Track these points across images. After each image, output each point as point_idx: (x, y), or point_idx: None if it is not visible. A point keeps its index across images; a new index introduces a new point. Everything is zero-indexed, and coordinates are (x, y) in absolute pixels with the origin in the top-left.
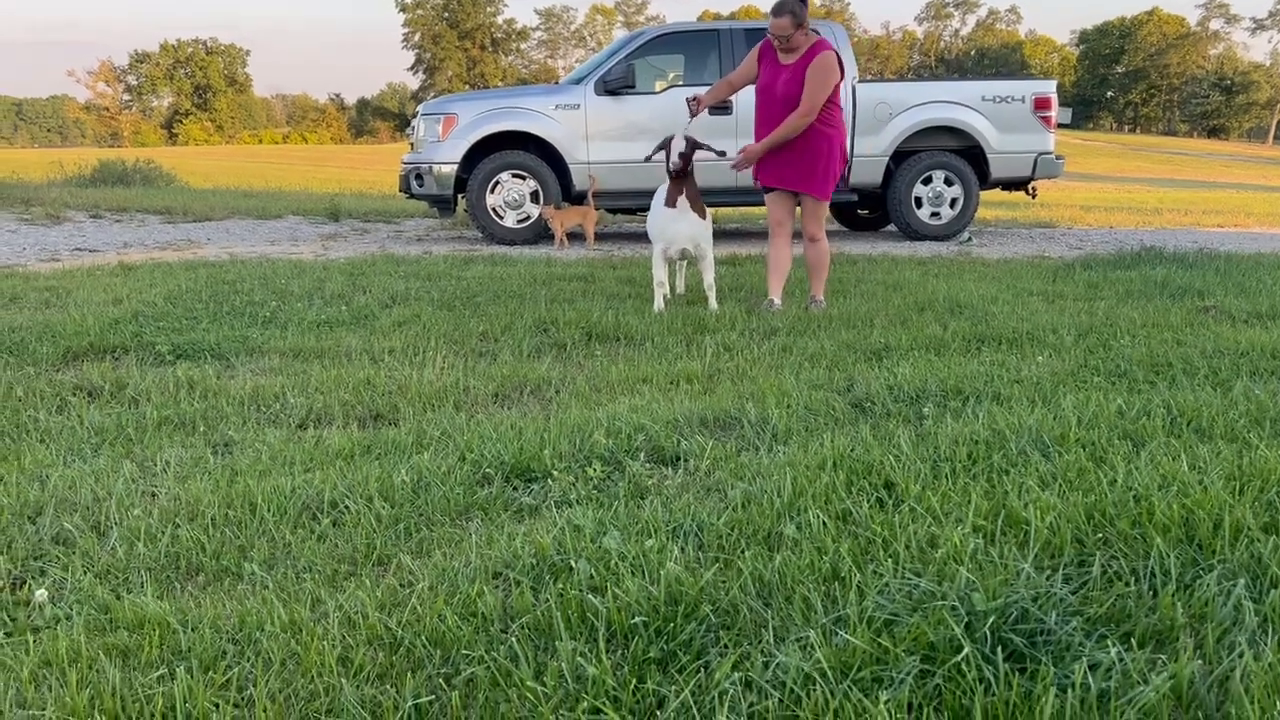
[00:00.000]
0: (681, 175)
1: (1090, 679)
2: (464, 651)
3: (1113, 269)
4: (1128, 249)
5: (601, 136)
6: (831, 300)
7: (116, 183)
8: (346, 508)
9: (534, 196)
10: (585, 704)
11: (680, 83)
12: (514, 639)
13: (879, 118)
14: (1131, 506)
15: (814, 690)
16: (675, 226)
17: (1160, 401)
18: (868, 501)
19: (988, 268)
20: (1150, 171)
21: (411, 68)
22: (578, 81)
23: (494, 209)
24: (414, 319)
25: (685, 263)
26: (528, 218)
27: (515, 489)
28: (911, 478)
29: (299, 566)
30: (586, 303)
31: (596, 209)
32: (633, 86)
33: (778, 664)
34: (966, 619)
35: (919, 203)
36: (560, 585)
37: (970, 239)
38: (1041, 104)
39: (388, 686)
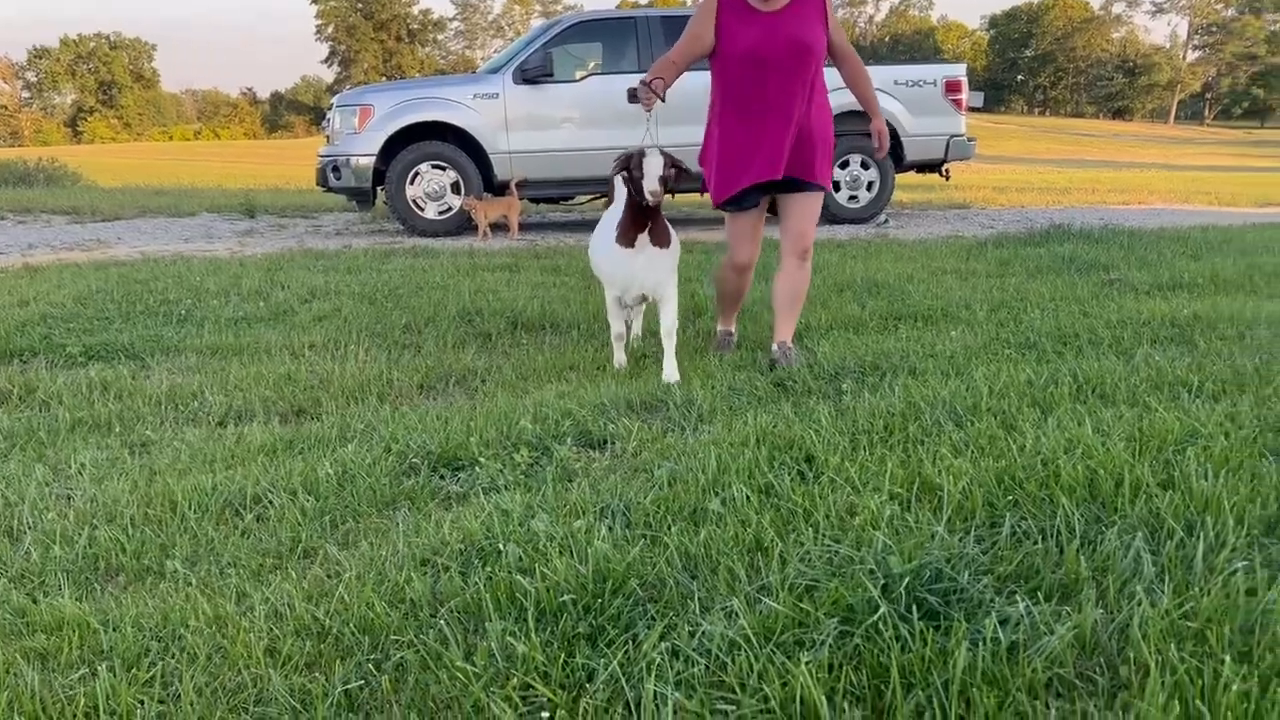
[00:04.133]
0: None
1: (1000, 632)
2: (393, 637)
3: (1023, 246)
4: (1037, 227)
5: (522, 126)
6: (752, 284)
7: (18, 183)
8: (270, 502)
9: (455, 187)
10: (515, 680)
11: (598, 71)
12: (443, 622)
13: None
14: (1039, 469)
15: (739, 655)
16: (631, 269)
17: (1067, 370)
18: (789, 475)
19: (904, 248)
20: (1058, 152)
21: (326, 60)
22: (496, 71)
23: (414, 201)
24: (334, 313)
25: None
26: (449, 209)
27: (442, 478)
28: (831, 450)
29: (223, 562)
30: (511, 292)
31: (520, 199)
32: (551, 75)
33: (703, 632)
34: (884, 581)
35: (837, 186)
36: (489, 568)
37: (887, 221)
38: (952, 87)
39: (317, 674)
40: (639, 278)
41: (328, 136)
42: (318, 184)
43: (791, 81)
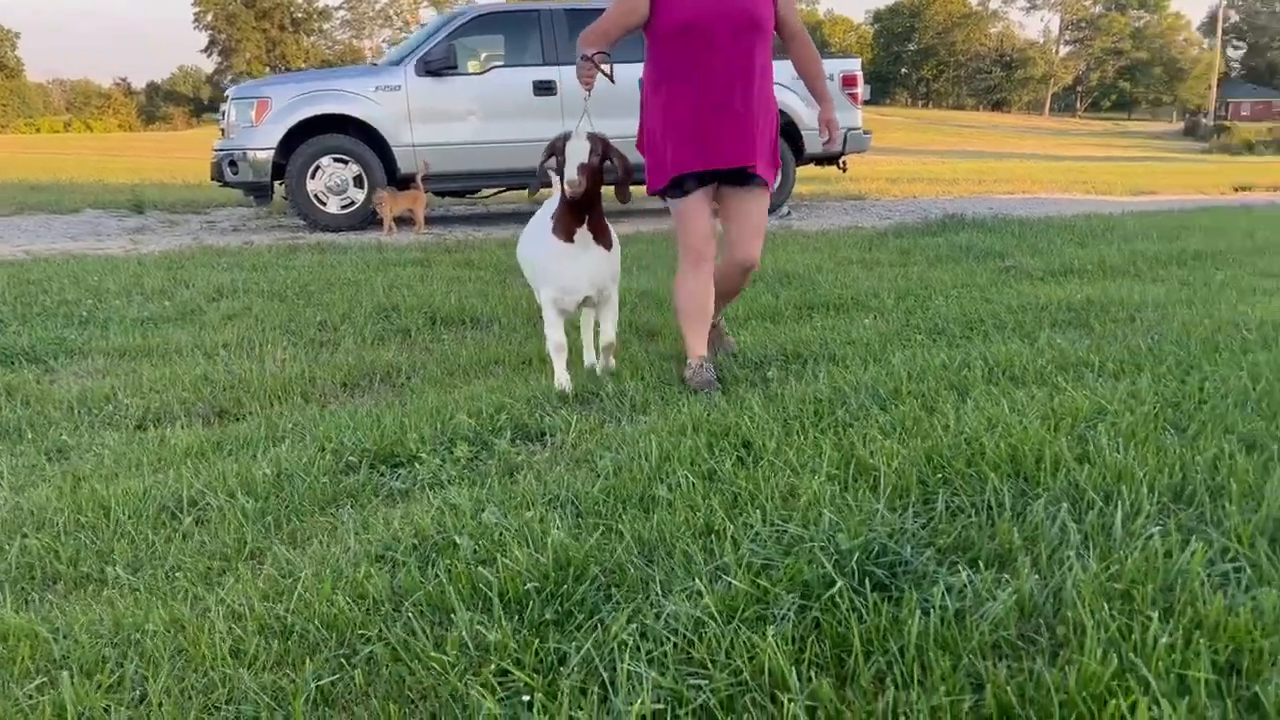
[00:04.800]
0: (585, 196)
1: (947, 600)
2: (359, 632)
3: (921, 236)
4: (932, 217)
5: (425, 118)
6: (669, 277)
7: None
8: (208, 504)
9: (358, 181)
10: (491, 666)
11: (501, 63)
12: (409, 615)
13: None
14: (965, 448)
15: (705, 632)
16: (572, 269)
17: (977, 354)
18: (730, 460)
19: (809, 239)
20: (942, 144)
21: (205, 50)
22: (397, 63)
23: (315, 195)
24: (245, 311)
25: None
26: (352, 203)
27: (382, 475)
28: (767, 436)
29: (167, 566)
30: (426, 287)
31: (426, 193)
32: (455, 67)
33: (669, 613)
34: (835, 557)
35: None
36: (447, 561)
37: (790, 213)
38: (848, 81)
39: (286, 671)
40: (581, 275)
41: (223, 129)
42: (213, 179)
43: (735, 59)
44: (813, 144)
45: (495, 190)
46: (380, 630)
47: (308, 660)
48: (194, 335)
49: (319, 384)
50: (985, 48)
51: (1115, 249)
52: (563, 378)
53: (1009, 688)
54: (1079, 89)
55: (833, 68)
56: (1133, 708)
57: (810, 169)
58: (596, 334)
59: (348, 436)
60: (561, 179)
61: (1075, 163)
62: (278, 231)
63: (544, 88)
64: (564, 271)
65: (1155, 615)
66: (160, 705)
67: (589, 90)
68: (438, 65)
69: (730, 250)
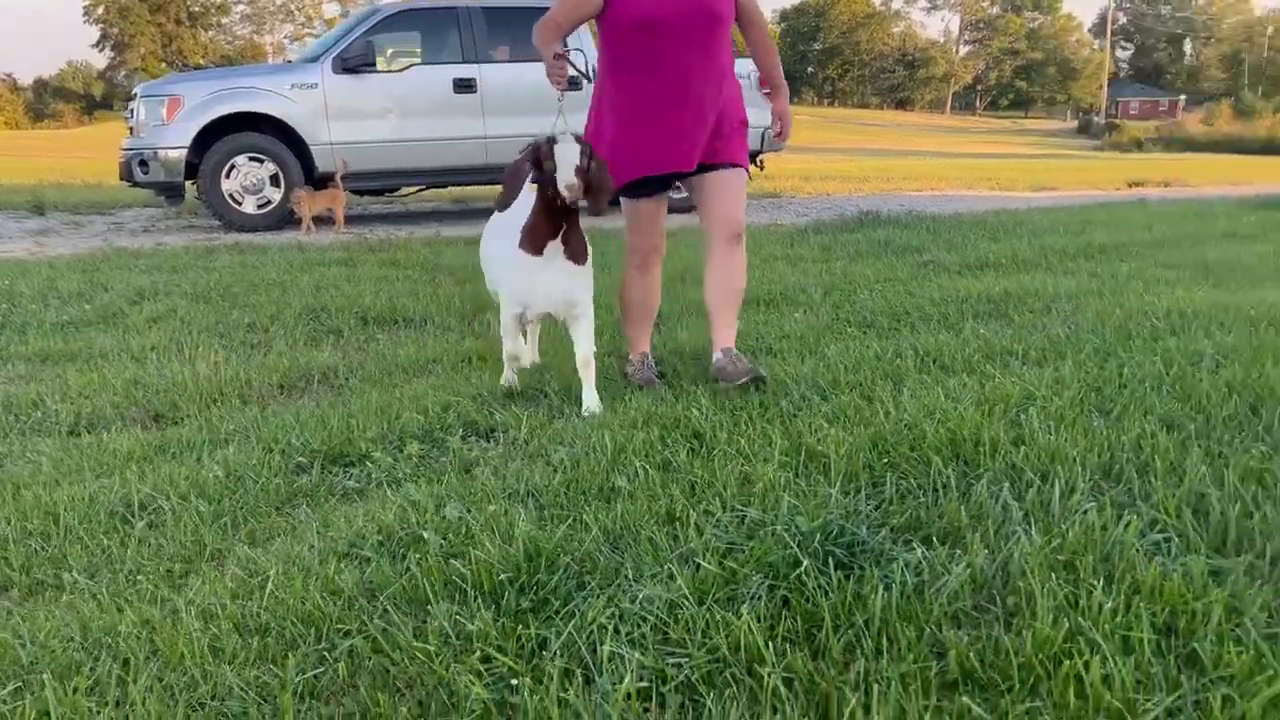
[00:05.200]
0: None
1: (906, 575)
2: (338, 626)
3: (840, 232)
4: (849, 214)
5: (343, 116)
6: (599, 273)
7: None
8: (159, 508)
9: (274, 180)
10: (476, 654)
11: (419, 61)
12: (386, 608)
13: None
14: (907, 434)
15: (681, 614)
16: (540, 282)
17: (908, 345)
18: (683, 451)
19: None
20: (848, 142)
21: (97, 45)
22: (314, 60)
23: (231, 195)
24: (169, 314)
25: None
26: (269, 203)
27: (334, 474)
28: (717, 427)
29: (126, 570)
30: (354, 287)
31: (345, 191)
32: (373, 64)
33: (643, 596)
34: (798, 539)
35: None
36: (417, 555)
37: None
38: (764, 82)
39: (269, 666)
40: (546, 292)
41: (131, 128)
42: (122, 179)
43: (695, 52)
44: None
45: (416, 188)
46: (359, 624)
47: (289, 655)
48: (118, 339)
49: (255, 386)
50: (888, 47)
51: (1026, 243)
52: (510, 378)
53: (970, 653)
54: (979, 88)
55: (748, 67)
56: (1085, 667)
57: None
58: (577, 340)
59: (295, 437)
60: (555, 186)
61: (977, 160)
62: (191, 232)
63: (464, 86)
64: (527, 286)
65: (1098, 583)
66: (144, 703)
67: (562, 90)
68: (355, 63)
69: (710, 225)
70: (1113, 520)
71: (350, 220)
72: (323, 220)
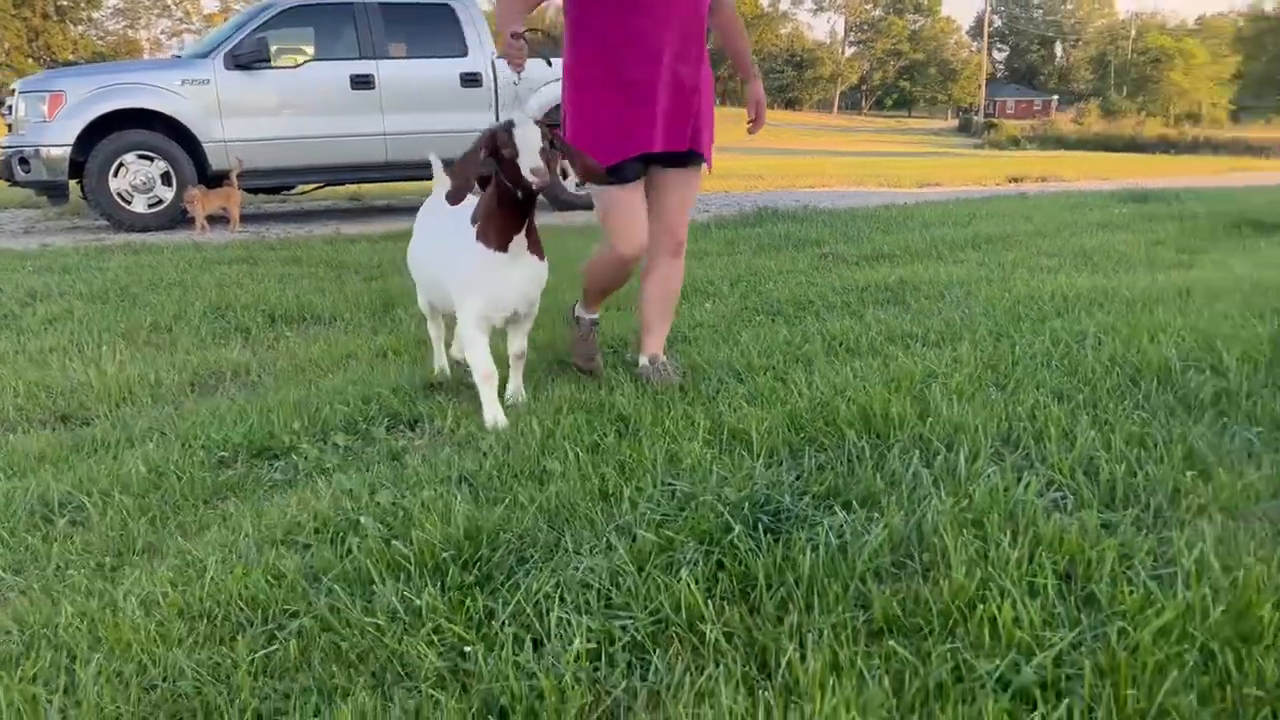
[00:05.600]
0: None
1: (830, 537)
2: (284, 608)
3: (742, 227)
4: (748, 210)
5: (237, 113)
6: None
7: None
8: (81, 505)
9: (165, 179)
10: (427, 625)
11: (314, 57)
12: (332, 588)
13: (520, 93)
14: (821, 411)
15: (623, 581)
16: (505, 281)
17: (814, 330)
18: (610, 433)
19: None
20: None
21: None
22: (204, 55)
23: (120, 194)
24: (66, 315)
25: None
26: (160, 201)
27: (260, 467)
28: (641, 410)
29: (54, 565)
30: (258, 286)
31: (240, 190)
32: (267, 60)
33: (586, 566)
34: (727, 508)
35: (565, 174)
36: (356, 540)
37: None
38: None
39: (219, 648)
40: (513, 288)
41: (9, 125)
42: (1, 178)
43: (670, 22)
44: None
45: (313, 186)
46: (305, 605)
47: (237, 638)
48: (13, 341)
49: (166, 385)
50: (777, 48)
51: (917, 235)
52: (496, 412)
53: (893, 603)
54: (864, 88)
55: None
56: (997, 610)
57: None
58: (517, 335)
59: (214, 432)
60: (518, 172)
61: (866, 158)
62: (78, 233)
63: (361, 82)
64: (495, 284)
65: (1004, 537)
66: (96, 690)
67: (520, 72)
68: (248, 58)
69: (657, 234)
70: (1014, 482)
71: (245, 219)
72: (217, 219)
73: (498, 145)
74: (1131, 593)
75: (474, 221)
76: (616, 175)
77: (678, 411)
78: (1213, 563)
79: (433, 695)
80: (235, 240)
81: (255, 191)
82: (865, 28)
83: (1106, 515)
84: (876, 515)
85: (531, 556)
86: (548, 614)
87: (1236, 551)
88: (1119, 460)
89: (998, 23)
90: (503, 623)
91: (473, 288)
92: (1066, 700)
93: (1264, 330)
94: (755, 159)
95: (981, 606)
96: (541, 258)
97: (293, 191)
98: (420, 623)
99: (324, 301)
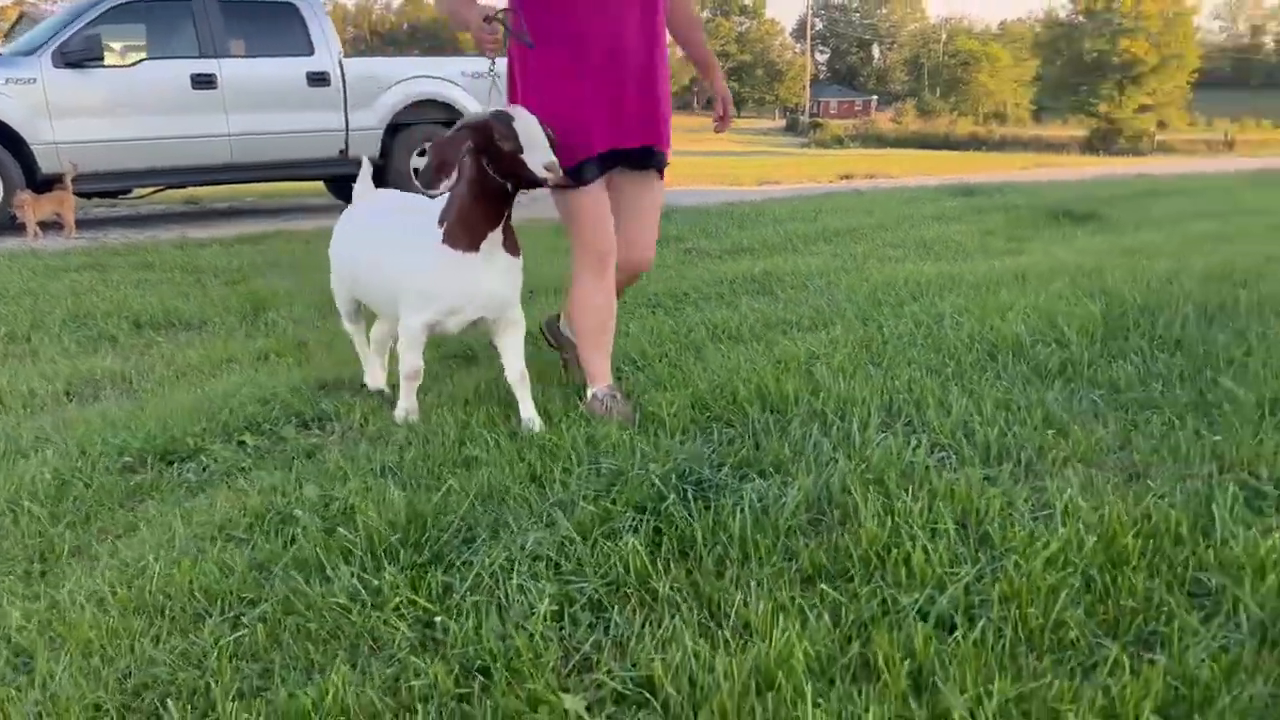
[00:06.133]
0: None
1: (753, 500)
2: (242, 596)
3: None
4: None
5: (68, 114)
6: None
7: None
8: None
9: None
10: (392, 602)
11: (149, 55)
12: (290, 575)
13: (370, 92)
14: (721, 392)
15: (570, 550)
16: (469, 286)
17: (696, 320)
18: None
19: None
20: None
21: None
22: (29, 53)
23: None
24: None
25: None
26: None
27: (170, 470)
28: (552, 399)
29: None
30: (114, 292)
31: (73, 194)
32: (99, 58)
33: (533, 539)
34: (656, 480)
35: (417, 173)
36: (297, 530)
37: None
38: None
39: (186, 637)
40: (486, 294)
41: None
42: None
43: (629, 6)
44: None
45: (152, 189)
46: (262, 592)
47: (201, 626)
48: None
49: (39, 395)
50: None
51: (771, 230)
52: (411, 406)
53: (819, 553)
54: (694, 89)
55: (500, 66)
56: (909, 552)
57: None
58: (510, 352)
59: (111, 438)
60: (523, 169)
61: (704, 157)
62: None
63: (203, 81)
64: (457, 289)
65: (905, 492)
66: (71, 687)
67: (492, 58)
68: (78, 56)
69: (623, 247)
70: (905, 445)
71: (78, 224)
72: (50, 225)
73: (494, 138)
74: (1019, 531)
75: (441, 222)
76: (574, 178)
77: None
78: (1081, 504)
79: (413, 661)
80: (75, 246)
81: (89, 196)
82: None
83: (986, 470)
84: (789, 480)
85: (479, 535)
86: (505, 583)
87: (1099, 493)
88: (990, 424)
89: (819, 25)
90: (463, 595)
91: (428, 297)
92: (980, 623)
93: (1095, 308)
94: None
95: (895, 551)
96: (517, 254)
97: (128, 195)
98: (384, 600)
99: (189, 307)
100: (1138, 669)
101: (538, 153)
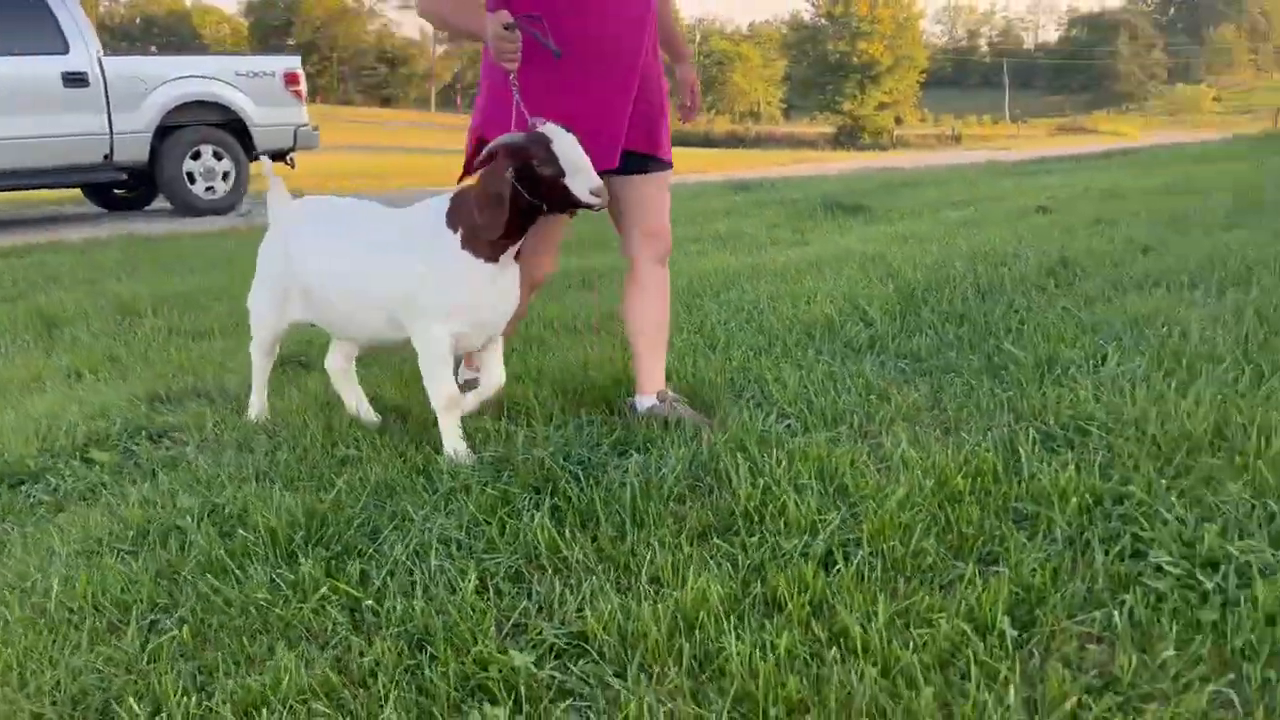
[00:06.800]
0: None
1: (637, 474)
2: (156, 601)
3: None
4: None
5: None
6: (176, 275)
7: None
8: None
9: None
10: (315, 592)
11: None
12: (208, 574)
13: (136, 93)
14: (578, 381)
15: (479, 530)
16: (490, 298)
17: (530, 315)
18: (390, 419)
19: None
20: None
21: None
22: None
23: None
24: None
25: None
26: None
27: (18, 492)
28: (410, 399)
29: None
30: None
31: None
32: None
33: (441, 524)
34: (542, 462)
35: (191, 178)
36: (187, 539)
37: (250, 211)
38: (291, 79)
39: (109, 646)
40: (498, 305)
41: None
42: None
43: (624, 22)
44: (263, 141)
45: None
46: (176, 598)
47: (120, 634)
48: None
49: None
50: (366, 44)
51: (580, 225)
52: (458, 445)
53: (705, 513)
54: (458, 85)
55: (275, 65)
56: (783, 505)
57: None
58: (495, 364)
59: None
60: (567, 196)
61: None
62: None
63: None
64: (480, 301)
65: (768, 456)
66: (2, 698)
67: (514, 67)
68: None
69: (635, 241)
70: (760, 418)
71: None
72: None
73: (532, 163)
74: (869, 482)
75: (453, 226)
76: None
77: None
78: (913, 455)
79: (354, 640)
80: None
81: None
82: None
83: (829, 433)
84: (665, 453)
85: (383, 528)
86: (423, 566)
87: (925, 446)
88: (823, 393)
89: None
90: (383, 580)
91: (453, 309)
92: (855, 559)
93: (888, 289)
94: (358, 158)
95: (770, 505)
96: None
97: None
98: (306, 591)
99: None
100: (987, 581)
101: (582, 176)
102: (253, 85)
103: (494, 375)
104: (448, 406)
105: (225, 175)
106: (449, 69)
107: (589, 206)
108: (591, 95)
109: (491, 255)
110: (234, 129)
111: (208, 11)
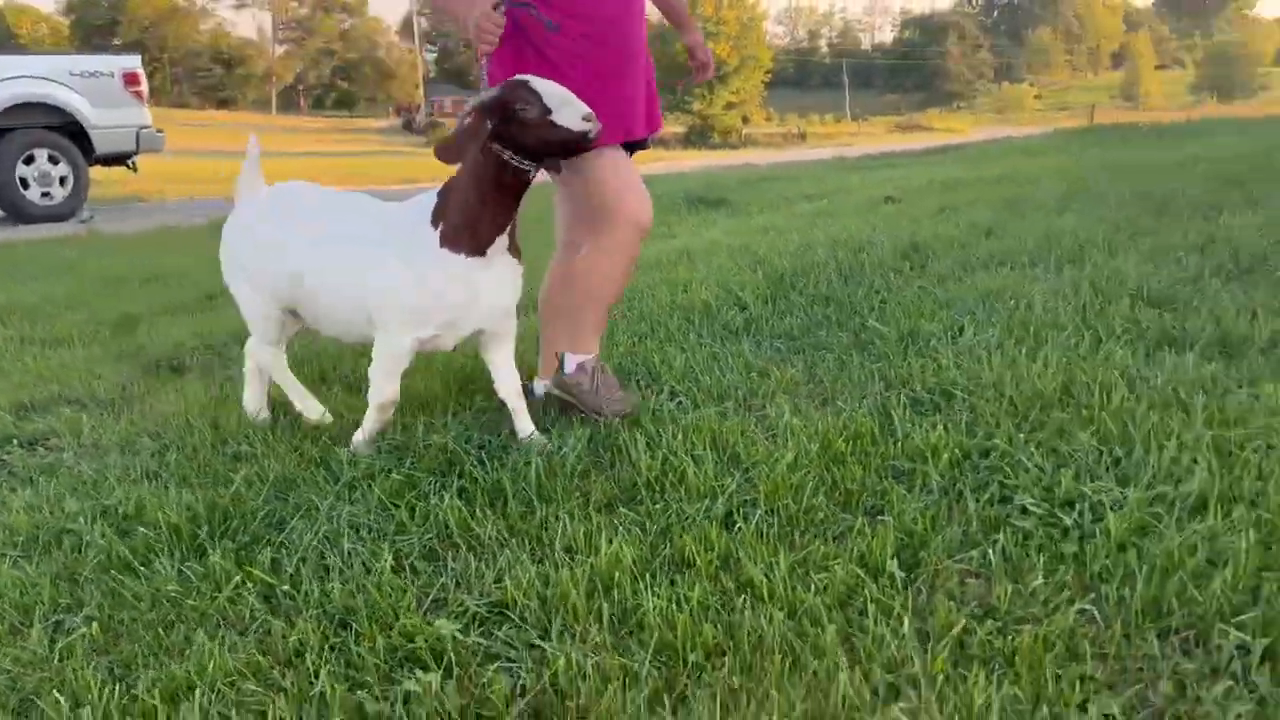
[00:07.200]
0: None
1: (540, 454)
2: (58, 602)
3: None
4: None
5: None
6: (17, 283)
7: None
8: None
9: None
10: (229, 581)
11: None
12: (106, 576)
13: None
14: (467, 375)
15: (389, 514)
16: (483, 291)
17: None
18: (281, 414)
19: (138, 241)
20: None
21: None
22: None
23: None
24: None
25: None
26: None
27: None
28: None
29: None
30: None
31: None
32: None
33: (348, 511)
34: (443, 448)
35: (25, 183)
36: (80, 540)
37: (92, 217)
38: (131, 79)
39: (14, 648)
40: (488, 305)
41: None
42: None
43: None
44: (103, 144)
45: None
46: (79, 598)
47: (24, 636)
48: None
49: None
50: (200, 44)
51: None
52: (370, 439)
53: (609, 486)
54: (300, 87)
55: (112, 64)
56: (682, 474)
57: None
58: (504, 367)
59: None
60: (555, 138)
61: (323, 158)
62: None
63: None
64: (458, 301)
65: (664, 431)
66: None
67: (488, 53)
68: None
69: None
70: (649, 395)
71: None
72: None
73: (513, 108)
74: (759, 449)
75: (435, 222)
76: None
77: (340, 390)
78: (796, 424)
79: (275, 623)
80: None
81: None
82: (294, 25)
83: (717, 407)
84: (565, 432)
85: (288, 518)
86: (334, 550)
87: (807, 415)
88: (708, 372)
89: (425, 24)
90: (295, 566)
91: (422, 312)
92: (754, 519)
93: (758, 276)
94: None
95: (670, 475)
96: (520, 257)
97: None
98: (217, 581)
99: None
100: (874, 530)
101: (569, 108)
102: (89, 86)
103: (505, 382)
104: (382, 406)
105: (63, 180)
106: (290, 69)
107: (583, 138)
108: (613, 83)
109: (477, 249)
110: (70, 132)
111: (22, 11)
